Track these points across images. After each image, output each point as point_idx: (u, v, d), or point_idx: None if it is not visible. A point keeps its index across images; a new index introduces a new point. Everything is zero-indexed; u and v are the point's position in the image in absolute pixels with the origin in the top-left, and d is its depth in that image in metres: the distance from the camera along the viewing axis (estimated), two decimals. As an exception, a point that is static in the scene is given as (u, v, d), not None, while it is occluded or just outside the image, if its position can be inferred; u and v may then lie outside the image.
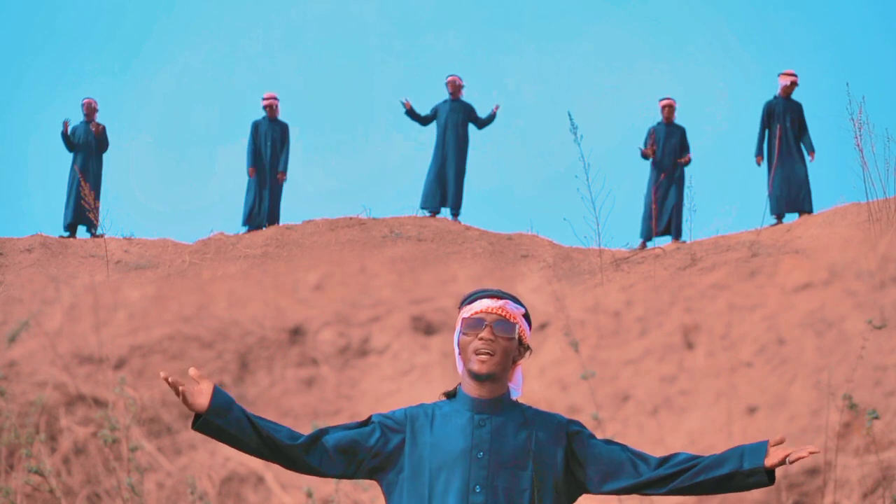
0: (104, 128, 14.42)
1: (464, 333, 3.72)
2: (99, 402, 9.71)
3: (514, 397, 3.80)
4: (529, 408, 3.80)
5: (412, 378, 9.98)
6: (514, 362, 3.80)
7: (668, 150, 13.96)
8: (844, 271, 10.06)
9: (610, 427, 9.04)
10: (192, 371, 3.59)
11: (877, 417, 8.26)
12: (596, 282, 11.37)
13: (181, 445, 9.75)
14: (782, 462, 3.65)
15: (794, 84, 13.73)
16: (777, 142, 13.63)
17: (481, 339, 3.70)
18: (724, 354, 9.50)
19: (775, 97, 13.78)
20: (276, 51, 24.71)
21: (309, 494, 8.61)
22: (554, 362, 9.91)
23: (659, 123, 14.09)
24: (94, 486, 9.50)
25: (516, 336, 3.74)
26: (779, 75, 13.89)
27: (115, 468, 9.12)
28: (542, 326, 10.34)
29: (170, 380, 3.56)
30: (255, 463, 9.48)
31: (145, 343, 10.39)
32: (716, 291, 10.41)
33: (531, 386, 9.73)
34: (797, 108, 13.75)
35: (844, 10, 23.70)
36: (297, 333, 10.57)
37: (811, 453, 3.63)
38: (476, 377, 3.70)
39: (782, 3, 23.68)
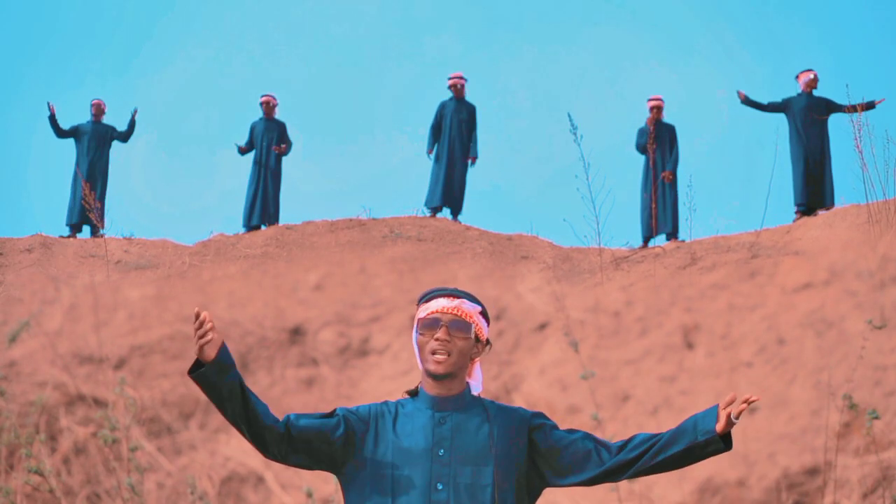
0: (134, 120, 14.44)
1: (420, 334, 3.75)
2: (99, 402, 9.72)
3: (475, 392, 3.80)
4: (492, 403, 3.81)
5: (412, 378, 9.98)
6: (472, 359, 3.80)
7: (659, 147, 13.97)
8: (844, 272, 10.06)
9: (610, 427, 9.04)
10: (205, 314, 3.59)
11: (877, 417, 8.27)
12: (596, 281, 11.37)
13: (181, 445, 9.75)
14: (730, 423, 3.63)
15: (816, 78, 13.74)
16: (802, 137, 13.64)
17: (437, 339, 3.72)
18: (724, 354, 9.50)
19: (799, 94, 13.77)
20: (276, 51, 24.71)
21: (309, 494, 8.61)
22: (554, 362, 9.91)
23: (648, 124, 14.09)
24: (94, 486, 9.50)
25: (472, 335, 3.76)
26: (798, 74, 13.88)
27: (115, 468, 9.12)
28: (542, 326, 10.34)
29: (203, 315, 3.59)
30: (255, 463, 9.48)
31: (145, 343, 10.39)
32: (716, 291, 10.41)
33: (531, 386, 9.73)
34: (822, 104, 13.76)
35: (844, 10, 23.70)
36: (297, 333, 10.58)
37: (750, 401, 3.61)
38: (433, 377, 3.73)
39: (782, 3, 23.68)
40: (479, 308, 3.80)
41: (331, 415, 3.77)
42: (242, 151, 14.51)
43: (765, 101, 13.91)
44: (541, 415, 3.82)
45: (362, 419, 3.75)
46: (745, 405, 3.61)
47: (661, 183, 13.79)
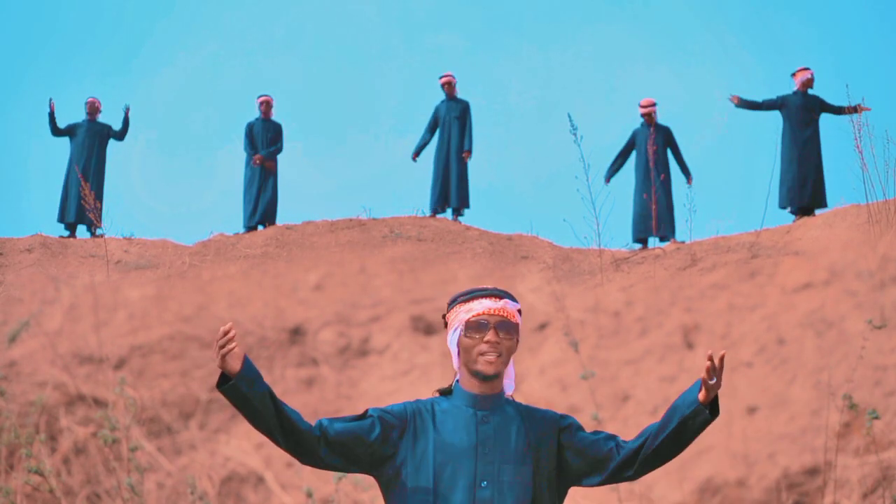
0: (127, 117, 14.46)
1: (467, 336, 3.75)
2: (99, 402, 9.72)
3: (508, 392, 3.85)
4: (521, 404, 3.86)
5: (412, 378, 9.98)
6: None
7: (655, 150, 13.96)
8: (844, 272, 10.06)
9: (610, 427, 9.04)
10: (227, 326, 3.58)
11: (877, 417, 8.27)
12: (596, 282, 11.37)
13: (181, 445, 9.75)
14: (709, 387, 3.67)
15: (812, 78, 13.73)
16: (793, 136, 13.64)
17: (487, 342, 3.73)
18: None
19: (794, 92, 13.76)
20: (276, 51, 24.71)
21: (309, 494, 8.61)
22: (554, 362, 9.92)
23: (642, 125, 14.06)
24: (94, 486, 9.50)
25: (518, 335, 3.77)
26: (794, 72, 13.87)
27: (115, 468, 9.12)
28: (542, 326, 10.35)
29: (228, 330, 3.55)
30: (255, 463, 9.48)
31: (145, 343, 10.39)
32: (716, 291, 10.41)
33: (531, 386, 9.73)
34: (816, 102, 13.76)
35: (844, 10, 23.70)
36: (297, 333, 10.58)
37: (719, 359, 3.64)
38: (483, 377, 3.74)
39: (782, 3, 23.68)
40: (518, 306, 3.83)
41: (363, 416, 3.76)
42: (254, 161, 14.43)
43: (759, 99, 13.89)
44: (567, 416, 3.86)
45: (397, 418, 3.75)
46: (709, 363, 3.63)
47: (659, 185, 13.78)
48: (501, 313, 3.76)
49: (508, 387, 3.84)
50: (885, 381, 8.91)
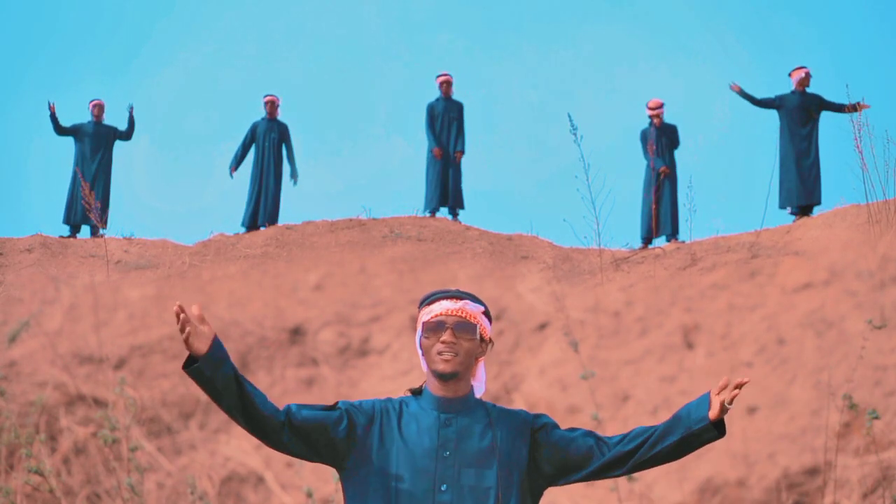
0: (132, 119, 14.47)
1: (425, 337, 3.78)
2: (99, 402, 9.72)
3: (478, 394, 3.85)
4: (494, 406, 3.85)
5: (412, 378, 9.98)
6: (476, 359, 3.84)
7: (661, 149, 13.98)
8: (844, 272, 10.06)
9: (610, 427, 9.04)
10: (195, 308, 3.60)
11: (877, 417, 8.27)
12: (596, 282, 11.37)
13: (181, 445, 9.75)
14: (724, 409, 3.67)
15: (808, 76, 13.73)
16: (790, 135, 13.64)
17: (443, 341, 3.74)
18: (724, 354, 9.50)
19: (792, 91, 13.76)
20: (275, 51, 24.71)
21: (309, 494, 8.61)
22: (554, 362, 9.92)
23: (650, 126, 14.09)
24: (94, 486, 9.50)
25: (477, 336, 3.78)
26: (791, 72, 13.87)
27: (115, 468, 9.12)
28: (542, 326, 10.34)
29: (180, 314, 3.56)
30: (255, 463, 9.48)
31: (145, 343, 10.39)
32: (716, 291, 10.41)
33: (531, 386, 9.73)
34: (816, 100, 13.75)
35: (844, 10, 23.70)
36: (297, 333, 10.58)
37: (741, 385, 3.64)
38: (441, 377, 3.75)
39: (782, 3, 23.68)
40: (482, 308, 3.83)
41: (333, 407, 3.78)
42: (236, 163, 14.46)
43: (760, 96, 13.91)
44: (542, 416, 3.85)
45: (366, 415, 3.77)
46: (737, 391, 3.65)
47: (664, 184, 13.79)
48: (459, 314, 3.77)
49: (478, 389, 3.84)
50: (885, 381, 8.91)
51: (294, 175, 14.43)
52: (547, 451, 3.77)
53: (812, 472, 8.63)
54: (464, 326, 3.76)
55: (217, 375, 3.61)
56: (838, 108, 13.53)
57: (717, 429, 3.70)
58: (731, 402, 3.65)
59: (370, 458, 3.72)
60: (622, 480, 8.31)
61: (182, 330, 3.57)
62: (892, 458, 8.49)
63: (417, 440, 3.72)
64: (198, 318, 3.61)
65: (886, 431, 8.57)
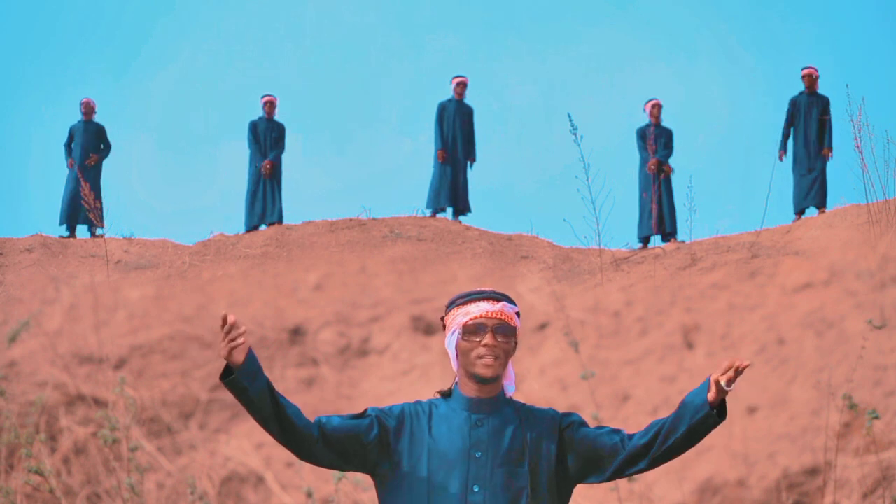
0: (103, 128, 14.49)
1: (465, 340, 3.74)
2: (99, 402, 9.72)
3: (508, 394, 3.83)
4: (522, 405, 3.84)
5: (412, 378, 9.98)
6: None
7: (659, 148, 13.99)
8: (844, 272, 10.06)
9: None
10: (231, 317, 3.59)
11: (877, 417, 8.27)
12: (596, 282, 11.37)
13: (181, 445, 9.75)
14: (723, 391, 3.66)
15: (816, 76, 13.69)
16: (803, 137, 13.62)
17: (485, 345, 3.72)
18: (724, 354, 9.50)
19: (801, 92, 13.74)
20: (276, 51, 24.71)
21: (309, 494, 8.61)
22: (554, 362, 9.92)
23: (648, 124, 14.09)
24: (94, 486, 9.50)
25: (516, 338, 3.76)
26: (802, 72, 13.84)
27: (115, 468, 9.12)
28: (542, 326, 10.35)
29: (230, 319, 3.57)
30: (255, 463, 9.48)
31: (145, 343, 10.39)
32: (716, 291, 10.41)
33: (531, 386, 9.74)
34: (824, 102, 13.74)
35: (844, 11, 23.70)
36: (297, 333, 10.58)
37: (741, 368, 3.63)
38: (482, 381, 3.73)
39: (782, 3, 23.68)
40: (517, 309, 3.81)
41: (362, 415, 3.76)
42: (263, 169, 14.42)
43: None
44: (571, 414, 3.84)
45: (396, 419, 3.75)
46: (732, 373, 3.64)
47: (661, 183, 13.79)
48: (499, 316, 3.74)
49: (508, 388, 3.82)
50: (885, 381, 8.91)
51: (273, 162, 14.35)
52: (575, 449, 3.77)
53: (812, 472, 8.63)
54: (504, 329, 3.74)
55: (253, 387, 3.61)
56: (826, 123, 13.50)
57: (719, 413, 3.69)
58: (730, 385, 3.64)
59: (402, 462, 3.71)
60: (622, 480, 8.31)
61: (232, 339, 3.56)
62: (892, 458, 8.49)
63: (448, 441, 3.70)
64: (238, 328, 3.61)
65: (886, 431, 8.57)
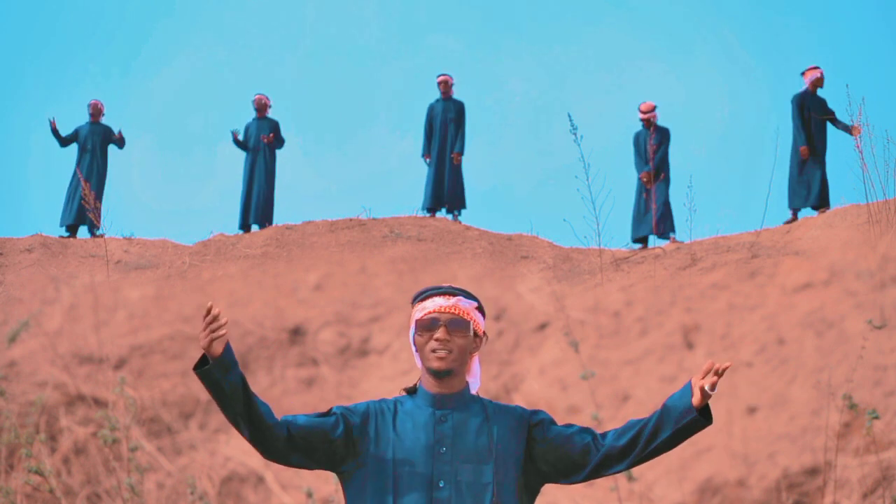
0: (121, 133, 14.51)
1: (419, 335, 3.78)
2: (99, 402, 9.72)
3: (473, 390, 3.84)
4: (490, 402, 3.84)
5: (412, 378, 9.96)
6: (471, 354, 3.84)
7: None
8: (844, 272, 10.06)
9: (610, 427, 9.04)
10: (217, 309, 3.59)
11: (877, 417, 8.27)
12: (596, 282, 11.37)
13: (181, 445, 9.76)
14: (706, 394, 3.66)
15: (822, 77, 13.66)
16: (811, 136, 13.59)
17: (437, 339, 3.74)
18: (724, 354, 9.50)
19: (804, 91, 13.71)
20: (275, 51, 24.72)
21: (309, 494, 8.61)
22: (554, 362, 9.92)
23: (642, 128, 14.07)
24: (94, 486, 9.50)
25: (471, 332, 3.78)
26: (804, 72, 13.81)
27: (115, 468, 9.12)
28: (542, 326, 10.35)
29: (214, 310, 3.57)
30: (255, 463, 9.48)
31: (145, 343, 10.39)
32: (716, 291, 10.41)
33: (531, 386, 9.74)
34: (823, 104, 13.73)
35: (844, 11, 23.70)
36: (297, 333, 10.58)
37: (721, 371, 3.64)
38: (435, 374, 3.76)
39: (782, 3, 23.68)
40: (475, 304, 3.83)
41: (328, 413, 3.79)
42: (238, 143, 14.50)
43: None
44: (539, 412, 3.85)
45: (361, 416, 3.78)
46: (716, 377, 3.64)
47: (658, 185, 13.78)
48: (452, 311, 3.76)
49: (473, 385, 3.84)
50: (885, 381, 8.91)
51: (269, 137, 14.39)
52: (543, 446, 3.77)
53: (812, 472, 8.63)
54: (457, 323, 3.76)
55: (226, 380, 3.61)
56: (836, 122, 13.45)
57: (703, 416, 3.69)
58: (712, 388, 3.65)
59: (367, 459, 3.72)
60: (622, 480, 8.31)
61: (214, 329, 3.57)
62: (892, 458, 8.49)
63: (413, 437, 3.72)
64: (222, 319, 3.62)
65: (886, 431, 8.57)
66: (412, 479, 3.67)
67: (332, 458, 3.75)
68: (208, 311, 3.58)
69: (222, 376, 3.61)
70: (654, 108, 14.05)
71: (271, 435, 3.69)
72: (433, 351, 3.74)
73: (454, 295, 3.80)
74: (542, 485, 3.82)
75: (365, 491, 3.70)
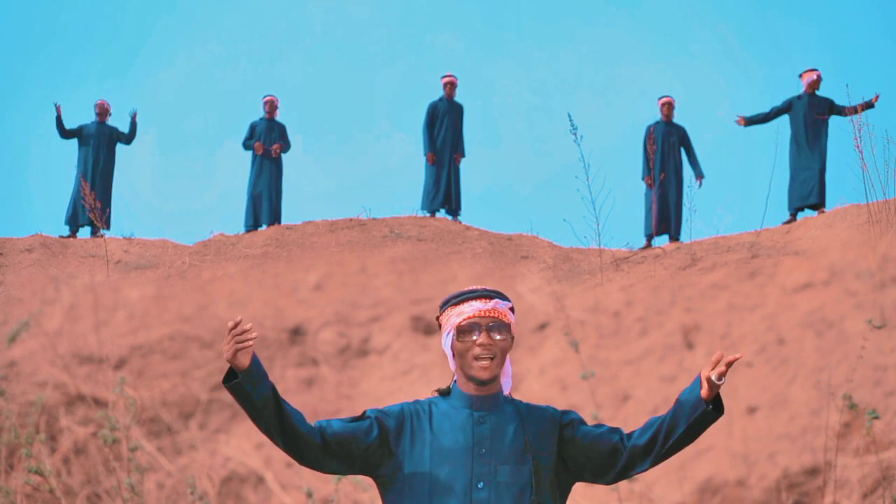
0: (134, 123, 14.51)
1: (460, 341, 3.73)
2: (99, 402, 9.72)
3: (506, 390, 3.83)
4: (522, 402, 3.83)
5: (412, 378, 9.98)
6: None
7: (668, 148, 13.94)
8: (844, 272, 10.06)
9: (610, 427, 9.04)
10: (246, 324, 3.53)
11: (877, 417, 8.27)
12: (596, 282, 11.37)
13: (181, 445, 9.76)
14: (715, 386, 3.65)
15: (819, 79, 13.65)
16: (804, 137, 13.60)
17: (480, 344, 3.71)
18: (724, 354, 9.50)
19: (801, 94, 13.70)
20: (276, 51, 24.72)
21: (309, 494, 8.61)
22: (554, 362, 9.92)
23: (658, 122, 14.06)
24: (94, 486, 9.50)
25: (511, 335, 3.76)
26: (802, 73, 13.81)
27: (115, 468, 9.12)
28: (542, 326, 10.35)
29: (244, 325, 3.51)
30: (255, 463, 9.48)
31: (145, 343, 10.39)
32: (716, 291, 10.41)
33: (531, 386, 9.74)
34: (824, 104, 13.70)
35: (844, 11, 23.70)
36: (297, 333, 10.58)
37: (731, 361, 3.62)
38: (480, 383, 3.73)
39: (782, 3, 23.68)
40: (510, 304, 3.80)
41: (362, 417, 3.74)
42: (255, 148, 14.45)
43: (767, 108, 13.83)
44: (570, 412, 3.84)
45: (396, 419, 3.73)
46: (724, 368, 3.62)
47: (667, 183, 13.77)
48: (493, 314, 3.73)
49: (506, 385, 3.82)
50: (885, 381, 8.91)
51: (274, 146, 14.38)
52: (573, 446, 3.77)
53: (812, 472, 8.63)
54: (498, 327, 3.73)
55: (257, 392, 3.58)
56: (850, 110, 13.42)
57: (716, 408, 3.69)
58: (720, 379, 3.64)
59: (404, 462, 3.69)
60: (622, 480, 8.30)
61: (243, 340, 3.51)
62: (892, 458, 8.49)
63: (452, 438, 3.70)
64: (250, 331, 3.56)
65: (886, 431, 8.57)
66: (450, 479, 3.65)
67: (368, 462, 3.72)
68: (236, 325, 3.53)
69: (253, 389, 3.57)
70: (670, 104, 14.08)
71: (305, 444, 3.66)
72: (476, 358, 3.70)
73: (491, 298, 3.76)
74: (573, 483, 3.82)
75: (403, 493, 3.67)
